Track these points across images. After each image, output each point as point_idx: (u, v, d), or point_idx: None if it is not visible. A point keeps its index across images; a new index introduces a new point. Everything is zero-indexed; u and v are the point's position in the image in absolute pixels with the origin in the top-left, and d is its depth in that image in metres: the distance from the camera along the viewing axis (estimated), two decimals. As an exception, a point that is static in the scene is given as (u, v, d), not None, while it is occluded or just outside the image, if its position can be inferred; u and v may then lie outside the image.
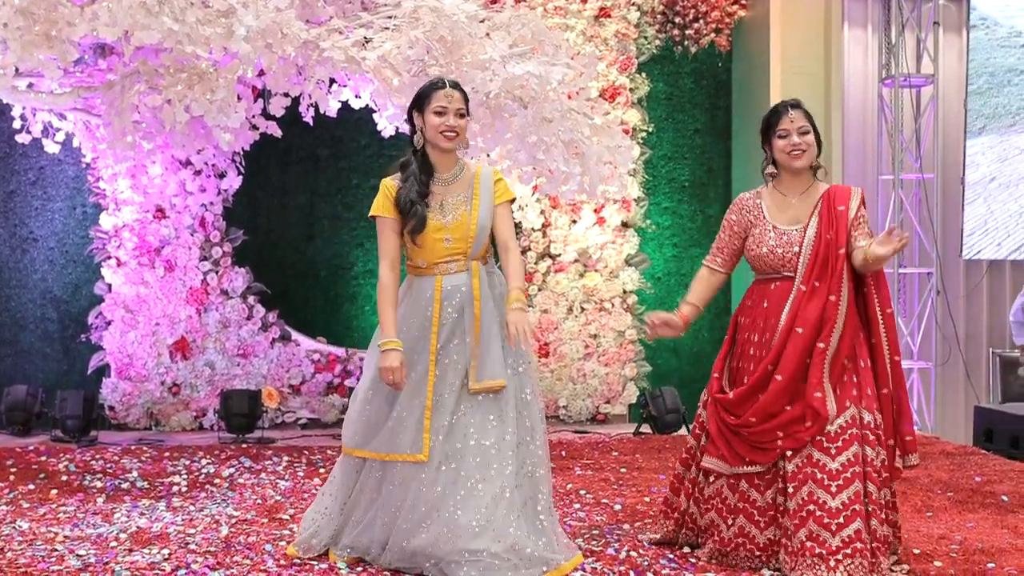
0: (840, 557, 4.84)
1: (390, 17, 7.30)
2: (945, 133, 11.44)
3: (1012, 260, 11.39)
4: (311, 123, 8.41)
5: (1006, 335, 11.17)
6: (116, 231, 9.98)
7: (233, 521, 6.15)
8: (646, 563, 5.27)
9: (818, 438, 4.98)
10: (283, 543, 5.63)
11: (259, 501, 6.73)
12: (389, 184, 5.18)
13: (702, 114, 11.12)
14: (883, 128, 11.22)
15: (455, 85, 5.17)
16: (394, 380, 5.01)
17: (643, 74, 10.78)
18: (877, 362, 5.16)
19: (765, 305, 5.28)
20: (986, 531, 5.96)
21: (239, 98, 7.52)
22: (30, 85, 8.06)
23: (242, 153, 9.80)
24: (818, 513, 4.91)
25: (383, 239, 5.18)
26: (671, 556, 5.39)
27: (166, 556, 5.36)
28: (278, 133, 8.30)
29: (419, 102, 5.14)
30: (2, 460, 7.95)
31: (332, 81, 8.39)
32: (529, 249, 10.50)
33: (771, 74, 10.50)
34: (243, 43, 6.56)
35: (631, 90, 10.69)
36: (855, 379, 5.11)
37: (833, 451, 4.96)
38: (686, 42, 10.97)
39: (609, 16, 10.65)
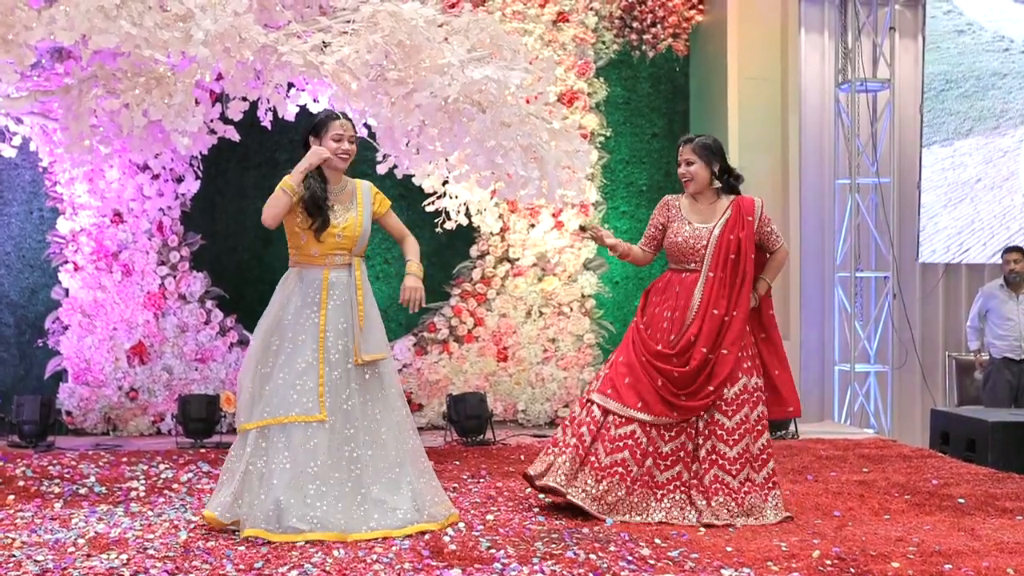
0: (743, 493, 6.28)
1: (349, 21, 7.30)
2: (901, 137, 11.55)
3: (967, 264, 11.49)
4: (269, 127, 8.41)
5: (962, 338, 11.26)
6: (73, 235, 9.94)
7: (192, 526, 6.14)
8: (605, 565, 5.29)
9: (718, 403, 6.34)
10: (242, 548, 5.63)
11: (218, 506, 6.71)
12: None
13: (660, 118, 11.16)
14: (839, 132, 11.31)
15: (346, 116, 6.28)
16: (321, 155, 6.07)
17: (601, 79, 10.82)
18: (777, 347, 6.63)
19: (677, 290, 6.51)
20: (943, 533, 6.01)
21: (197, 102, 7.50)
22: (-14, 89, 8.02)
23: (200, 157, 9.79)
24: (720, 461, 6.31)
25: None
26: (630, 558, 5.41)
27: (124, 561, 5.34)
28: (236, 137, 8.30)
29: (317, 129, 6.17)
30: (-42, 466, 7.91)
31: (290, 85, 8.38)
32: (488, 253, 10.51)
33: (728, 79, 10.56)
34: (201, 47, 6.54)
35: (589, 94, 10.73)
36: (750, 352, 6.48)
37: (730, 413, 6.35)
38: (644, 47, 11.01)
39: (567, 21, 10.68)
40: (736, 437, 6.30)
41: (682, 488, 6.33)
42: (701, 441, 6.34)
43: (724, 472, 6.27)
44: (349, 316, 6.11)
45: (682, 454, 6.35)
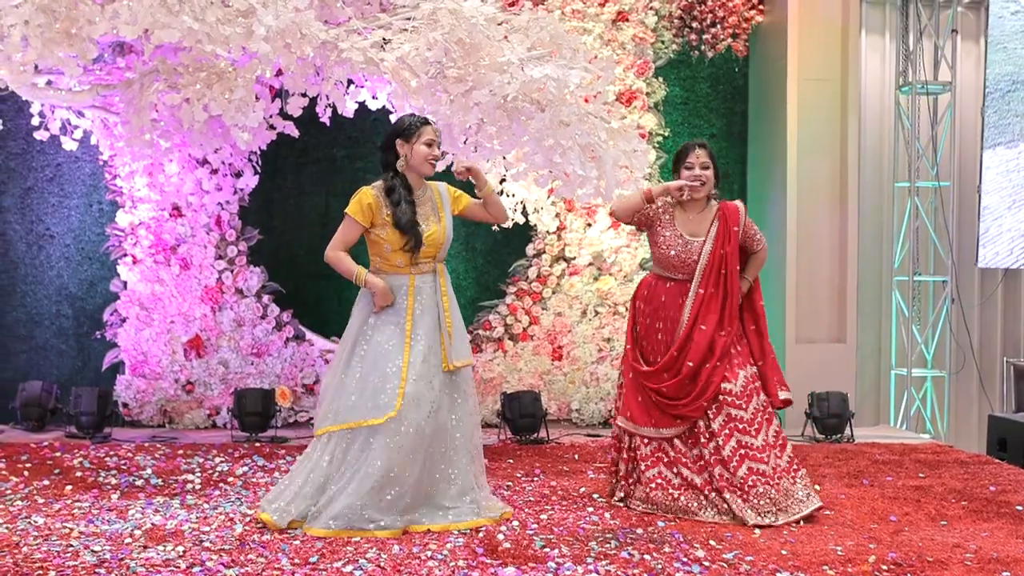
0: (776, 478, 6.42)
1: (409, 19, 7.32)
2: (962, 141, 11.43)
3: (1028, 269, 11.37)
4: (328, 123, 8.44)
5: (1021, 344, 11.15)
6: (132, 229, 9.99)
7: (247, 519, 6.18)
8: (660, 566, 5.28)
9: (729, 399, 6.48)
10: (297, 542, 5.66)
11: (273, 500, 6.75)
12: (371, 196, 6.18)
13: (718, 119, 11.10)
14: (899, 135, 11.22)
15: (433, 122, 6.32)
16: (388, 299, 6.15)
17: (660, 78, 10.77)
18: (763, 338, 6.77)
19: (663, 300, 6.67)
20: (1001, 540, 5.96)
21: (257, 98, 7.53)
22: (49, 82, 8.09)
23: (259, 153, 9.82)
24: (750, 453, 6.43)
25: (347, 234, 6.21)
26: (685, 560, 5.40)
27: (181, 553, 5.39)
28: (295, 133, 8.32)
29: (407, 133, 6.19)
30: (17, 456, 7.99)
31: (350, 82, 8.40)
32: (544, 252, 10.49)
33: (788, 80, 10.50)
34: (262, 43, 6.58)
35: (648, 94, 10.69)
36: (740, 348, 6.64)
37: (744, 406, 6.49)
38: (703, 47, 10.96)
39: (627, 20, 10.65)
40: (757, 426, 6.48)
41: (716, 491, 6.47)
42: (722, 441, 6.47)
43: (756, 462, 6.42)
44: (434, 321, 6.22)
45: (707, 456, 6.52)
